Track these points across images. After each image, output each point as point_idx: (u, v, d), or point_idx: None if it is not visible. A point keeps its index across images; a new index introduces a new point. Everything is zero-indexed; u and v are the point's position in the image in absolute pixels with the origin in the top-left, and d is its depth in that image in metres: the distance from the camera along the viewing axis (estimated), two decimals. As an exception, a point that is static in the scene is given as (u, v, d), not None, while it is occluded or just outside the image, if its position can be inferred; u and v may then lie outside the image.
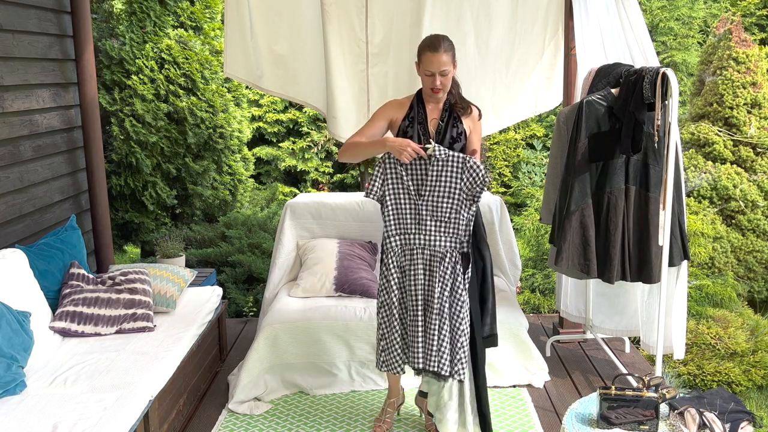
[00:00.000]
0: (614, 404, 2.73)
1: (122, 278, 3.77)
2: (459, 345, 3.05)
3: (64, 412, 2.74)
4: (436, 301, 3.04)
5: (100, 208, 4.87)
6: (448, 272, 3.05)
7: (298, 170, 8.46)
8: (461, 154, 3.02)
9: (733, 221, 5.79)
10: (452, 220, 3.05)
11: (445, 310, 3.05)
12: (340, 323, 3.90)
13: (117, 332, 3.57)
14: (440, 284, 3.04)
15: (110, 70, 6.32)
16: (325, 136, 8.41)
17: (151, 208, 6.47)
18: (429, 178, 3.03)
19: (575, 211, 3.51)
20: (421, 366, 3.09)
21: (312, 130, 8.49)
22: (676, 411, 2.74)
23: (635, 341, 4.54)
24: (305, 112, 8.46)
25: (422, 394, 3.39)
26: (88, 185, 4.85)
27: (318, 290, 4.21)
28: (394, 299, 3.14)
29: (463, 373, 3.08)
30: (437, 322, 3.04)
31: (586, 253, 3.52)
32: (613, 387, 2.77)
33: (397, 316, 3.15)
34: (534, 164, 7.78)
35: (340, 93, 4.41)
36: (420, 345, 3.08)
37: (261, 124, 8.55)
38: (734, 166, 5.88)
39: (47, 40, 4.42)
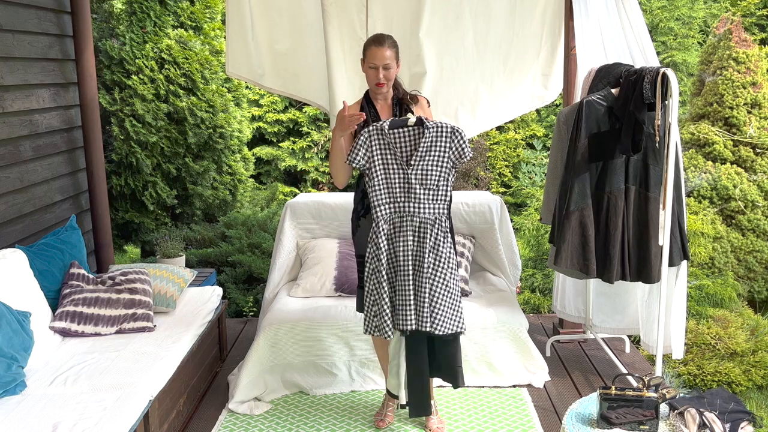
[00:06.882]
0: (614, 404, 2.73)
1: (122, 278, 3.77)
2: (456, 302, 3.21)
3: (64, 412, 2.74)
4: (426, 265, 3.14)
5: (100, 208, 4.87)
6: (440, 238, 3.16)
7: (298, 170, 8.45)
8: (449, 124, 3.16)
9: (733, 221, 5.78)
10: (440, 188, 3.18)
11: (438, 273, 3.16)
12: (340, 323, 3.90)
13: (117, 332, 3.57)
14: (431, 249, 3.16)
15: (110, 70, 6.32)
16: (326, 136, 8.40)
17: (151, 208, 6.47)
18: (421, 147, 3.14)
19: (575, 211, 3.51)
20: (413, 327, 3.18)
21: (312, 130, 8.48)
22: (676, 411, 2.74)
23: (635, 341, 4.54)
24: (305, 111, 8.45)
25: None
26: (88, 185, 4.85)
27: (318, 290, 4.21)
28: (383, 266, 3.20)
29: (463, 327, 3.22)
30: (428, 285, 3.15)
31: (586, 253, 3.52)
32: (613, 387, 2.77)
33: (385, 282, 3.21)
34: (534, 164, 7.78)
35: (341, 92, 4.42)
36: (411, 308, 3.17)
37: (261, 124, 8.54)
38: (734, 166, 5.88)
39: (47, 40, 4.42)
